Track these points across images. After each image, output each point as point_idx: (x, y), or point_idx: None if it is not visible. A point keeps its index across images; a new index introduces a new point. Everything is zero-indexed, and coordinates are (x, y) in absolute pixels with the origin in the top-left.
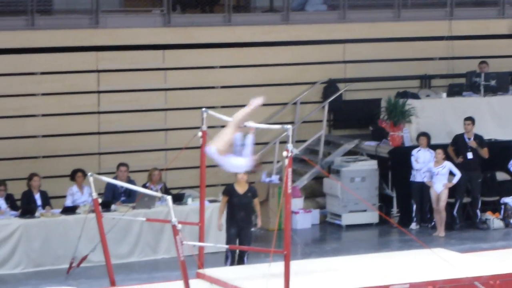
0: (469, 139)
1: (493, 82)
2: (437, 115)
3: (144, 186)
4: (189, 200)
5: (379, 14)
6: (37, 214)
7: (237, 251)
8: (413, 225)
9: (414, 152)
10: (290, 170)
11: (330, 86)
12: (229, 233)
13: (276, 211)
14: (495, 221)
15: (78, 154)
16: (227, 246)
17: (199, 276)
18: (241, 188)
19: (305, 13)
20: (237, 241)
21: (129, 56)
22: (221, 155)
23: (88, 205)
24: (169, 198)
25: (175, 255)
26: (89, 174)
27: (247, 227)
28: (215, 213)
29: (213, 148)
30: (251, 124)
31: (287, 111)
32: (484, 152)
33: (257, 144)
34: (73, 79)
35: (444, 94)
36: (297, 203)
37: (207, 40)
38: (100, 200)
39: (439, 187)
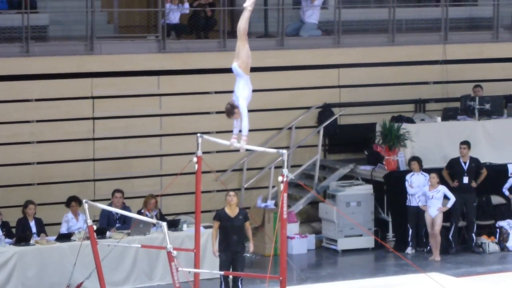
0: (464, 163)
1: (487, 106)
2: (432, 139)
3: (139, 212)
4: (185, 226)
5: (373, 39)
6: (32, 241)
7: (231, 276)
8: (409, 250)
9: (408, 177)
10: (285, 195)
11: (325, 111)
12: (222, 258)
13: (272, 237)
14: (490, 245)
15: (73, 181)
16: (222, 272)
17: None
18: (232, 212)
19: (300, 38)
20: (231, 266)
21: (124, 82)
22: (244, 71)
23: (83, 232)
24: (164, 224)
25: (171, 281)
26: (84, 201)
27: (240, 251)
28: (211, 239)
29: (235, 64)
30: (248, 147)
31: (282, 136)
32: (483, 175)
33: (252, 169)
34: (68, 106)
35: (439, 118)
36: (293, 228)
37: (202, 66)
38: (95, 227)
39: (434, 211)
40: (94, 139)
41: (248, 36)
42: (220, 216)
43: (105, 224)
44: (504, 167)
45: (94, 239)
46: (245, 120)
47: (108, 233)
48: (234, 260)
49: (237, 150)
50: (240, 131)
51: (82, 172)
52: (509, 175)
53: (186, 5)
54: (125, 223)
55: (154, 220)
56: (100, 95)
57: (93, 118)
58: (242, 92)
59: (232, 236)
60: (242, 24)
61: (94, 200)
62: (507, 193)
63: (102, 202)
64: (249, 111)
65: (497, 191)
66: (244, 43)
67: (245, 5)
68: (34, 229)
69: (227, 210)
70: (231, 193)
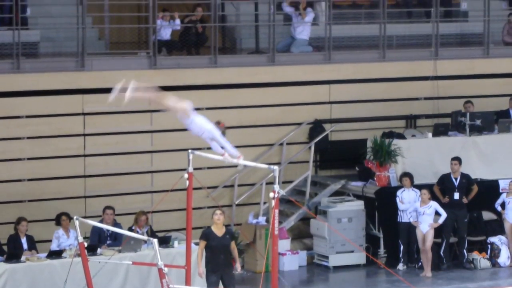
0: (455, 179)
1: (478, 122)
2: (423, 155)
3: (130, 229)
4: (176, 243)
5: (364, 55)
6: (23, 258)
7: None
8: (400, 266)
9: (398, 193)
10: (277, 211)
11: (316, 127)
12: (211, 279)
13: (263, 253)
14: (482, 260)
15: (64, 197)
16: None
17: None
18: (219, 231)
19: (291, 54)
20: (222, 286)
21: (115, 98)
22: (188, 115)
23: (74, 249)
24: (155, 241)
25: None
26: (75, 217)
27: (229, 270)
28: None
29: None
30: (242, 162)
31: (274, 152)
32: (474, 191)
33: (243, 185)
34: (59, 122)
35: (430, 134)
36: (284, 244)
37: (193, 82)
38: (86, 244)
39: (425, 227)
40: (85, 155)
41: (239, 52)
42: (207, 235)
43: (96, 241)
44: (495, 183)
45: (85, 256)
46: (227, 145)
47: (99, 250)
48: (224, 279)
49: (231, 166)
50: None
51: (73, 189)
52: (501, 190)
53: (177, 21)
54: (116, 240)
55: (145, 237)
56: (91, 111)
57: (84, 135)
58: (206, 125)
59: (220, 255)
60: (149, 92)
61: (85, 217)
62: (499, 208)
63: (93, 219)
64: (241, 126)
65: (488, 207)
66: (164, 102)
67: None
68: (25, 246)
69: (214, 229)
70: (218, 211)
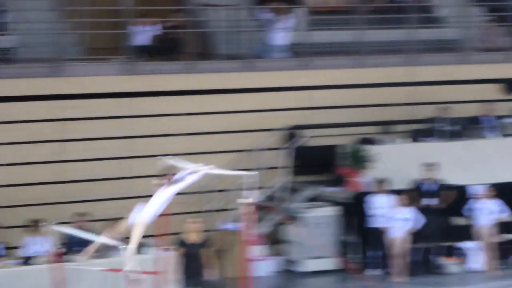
0: (430, 184)
1: (453, 128)
2: (397, 161)
3: (103, 235)
4: (146, 250)
5: (341, 61)
6: None
7: None
8: (373, 271)
9: (372, 198)
10: (250, 217)
11: (292, 133)
12: (185, 286)
13: (236, 259)
14: (454, 265)
15: (38, 203)
16: None
17: None
18: (194, 237)
19: (269, 60)
20: None
21: (92, 104)
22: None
23: (47, 255)
24: (127, 247)
25: None
26: (48, 224)
27: (203, 277)
28: (172, 262)
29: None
30: (215, 170)
31: (249, 157)
32: (451, 197)
33: (218, 191)
34: (36, 128)
35: (406, 140)
36: (258, 250)
37: (172, 88)
38: (59, 250)
39: (397, 233)
40: (62, 161)
41: (217, 58)
42: (183, 242)
43: (69, 247)
44: (469, 189)
45: (58, 262)
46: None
47: (72, 256)
48: (200, 285)
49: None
50: None
51: (47, 195)
52: (471, 196)
53: (155, 27)
54: (87, 246)
55: (117, 243)
56: (68, 117)
57: (62, 141)
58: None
59: (196, 262)
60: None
61: (59, 223)
62: (467, 213)
63: (67, 225)
64: (218, 132)
65: (460, 212)
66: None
67: None
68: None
69: (189, 236)
70: (192, 219)
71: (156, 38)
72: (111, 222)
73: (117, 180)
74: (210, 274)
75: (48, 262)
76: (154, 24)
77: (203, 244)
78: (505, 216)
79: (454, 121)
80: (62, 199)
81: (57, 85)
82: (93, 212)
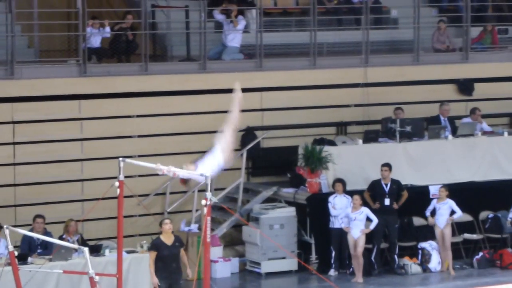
0: (385, 185)
1: (408, 128)
2: (353, 161)
3: (61, 237)
4: (107, 251)
5: (295, 62)
6: None
7: None
8: (332, 272)
9: (330, 198)
10: (209, 218)
11: (248, 134)
12: None
13: (195, 260)
14: (412, 266)
15: None
16: None
17: None
18: (168, 239)
19: (222, 62)
20: None
21: (45, 106)
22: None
23: (4, 258)
24: (86, 249)
25: None
26: (4, 226)
27: (178, 279)
28: (133, 264)
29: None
30: (174, 170)
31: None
32: (404, 197)
33: (175, 193)
34: None
35: (360, 141)
36: (216, 251)
37: (124, 90)
38: (16, 253)
39: (357, 233)
40: (14, 164)
41: (170, 60)
42: (157, 245)
43: (27, 250)
44: (425, 189)
45: (15, 265)
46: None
47: (29, 259)
48: (172, 287)
49: (161, 175)
50: None
51: (2, 198)
52: (431, 196)
53: (107, 29)
54: (46, 249)
55: (76, 246)
56: (20, 119)
57: (14, 143)
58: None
59: (171, 264)
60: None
61: (15, 226)
62: (428, 214)
63: (23, 228)
64: (172, 134)
65: (419, 212)
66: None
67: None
68: None
69: (163, 238)
70: (167, 220)
71: (109, 40)
72: (66, 224)
73: (71, 183)
74: (188, 273)
75: (6, 264)
76: (107, 26)
77: (179, 245)
78: (458, 217)
79: (408, 121)
80: (16, 201)
81: (9, 88)
82: (46, 215)
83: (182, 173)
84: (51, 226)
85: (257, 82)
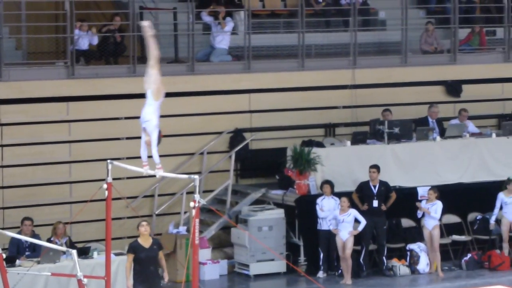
0: (374, 186)
1: (396, 130)
2: (342, 163)
3: (49, 240)
4: (95, 254)
5: (283, 64)
6: None
7: None
8: (320, 274)
9: (318, 200)
10: (197, 220)
11: (237, 136)
12: None
13: (184, 263)
14: (401, 267)
15: None
16: None
17: None
18: (146, 242)
19: (210, 63)
20: None
21: (32, 108)
22: (156, 97)
23: None
24: (74, 252)
25: None
26: None
27: (157, 281)
28: (122, 266)
29: (150, 91)
30: (161, 173)
31: (194, 161)
32: (392, 198)
33: (164, 195)
34: None
35: (348, 142)
36: (205, 253)
37: (112, 92)
38: (4, 255)
39: (345, 235)
40: (2, 166)
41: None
42: (135, 248)
43: (15, 252)
44: (413, 191)
45: (3, 268)
46: (156, 149)
47: (17, 262)
48: None
49: (150, 176)
50: (149, 157)
51: None
52: (419, 198)
53: (95, 38)
54: (34, 251)
55: (64, 248)
56: (8, 122)
57: (1, 145)
58: (154, 118)
59: (149, 267)
60: (155, 51)
61: (3, 228)
62: (420, 215)
63: (11, 230)
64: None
65: (407, 214)
66: (156, 69)
67: (147, 32)
68: None
69: (140, 241)
70: (144, 223)
71: (97, 42)
72: (54, 226)
73: (59, 185)
74: (164, 277)
75: None
76: (94, 34)
77: (158, 248)
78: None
79: (397, 123)
80: (4, 204)
81: None
82: (34, 217)
83: (167, 175)
84: (39, 228)
85: (245, 83)
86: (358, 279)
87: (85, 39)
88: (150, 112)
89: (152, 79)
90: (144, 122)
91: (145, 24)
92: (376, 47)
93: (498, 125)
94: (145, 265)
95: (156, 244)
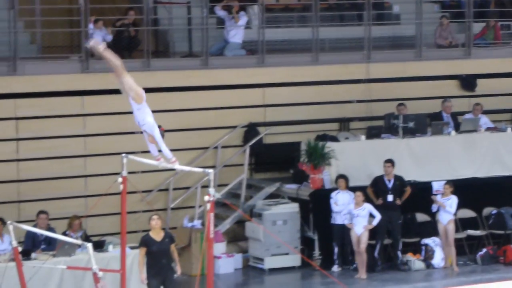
0: (388, 180)
1: (411, 124)
2: (356, 157)
3: (64, 233)
4: (110, 247)
5: (297, 58)
6: None
7: None
8: (335, 268)
9: (333, 194)
10: (212, 214)
11: (251, 130)
12: (152, 285)
13: (199, 256)
14: (416, 262)
15: None
16: None
17: None
18: (157, 235)
19: (224, 57)
20: None
21: (47, 102)
22: (139, 101)
23: (8, 254)
24: (89, 245)
25: None
26: (8, 222)
27: (170, 274)
28: (136, 259)
29: (130, 99)
30: (176, 166)
31: (208, 155)
32: (407, 193)
33: (178, 189)
34: None
35: (363, 137)
36: (220, 247)
37: None
38: (20, 249)
39: (360, 229)
40: (17, 160)
41: (172, 56)
42: (146, 241)
43: (30, 246)
44: (428, 185)
45: (19, 261)
46: (163, 145)
47: (33, 255)
48: (165, 284)
49: (165, 170)
50: (159, 151)
51: (6, 194)
52: (434, 192)
53: (109, 36)
54: (50, 245)
55: (79, 241)
56: (23, 116)
57: (17, 139)
58: (148, 118)
59: (161, 260)
60: (116, 60)
61: (18, 222)
62: (435, 209)
63: (27, 224)
64: (175, 130)
65: (422, 208)
66: (125, 77)
67: (99, 50)
68: None
69: (152, 234)
70: (154, 216)
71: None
72: (69, 221)
73: (74, 179)
74: (177, 270)
75: (10, 260)
76: (109, 28)
77: (169, 241)
78: (454, 213)
79: (411, 117)
80: (20, 197)
81: (12, 84)
82: (50, 211)
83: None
84: (55, 222)
85: (259, 78)
86: (372, 273)
87: (99, 36)
88: (141, 116)
89: (127, 87)
90: (142, 126)
91: (91, 44)
92: (391, 41)
93: None
94: (158, 258)
95: (168, 237)
